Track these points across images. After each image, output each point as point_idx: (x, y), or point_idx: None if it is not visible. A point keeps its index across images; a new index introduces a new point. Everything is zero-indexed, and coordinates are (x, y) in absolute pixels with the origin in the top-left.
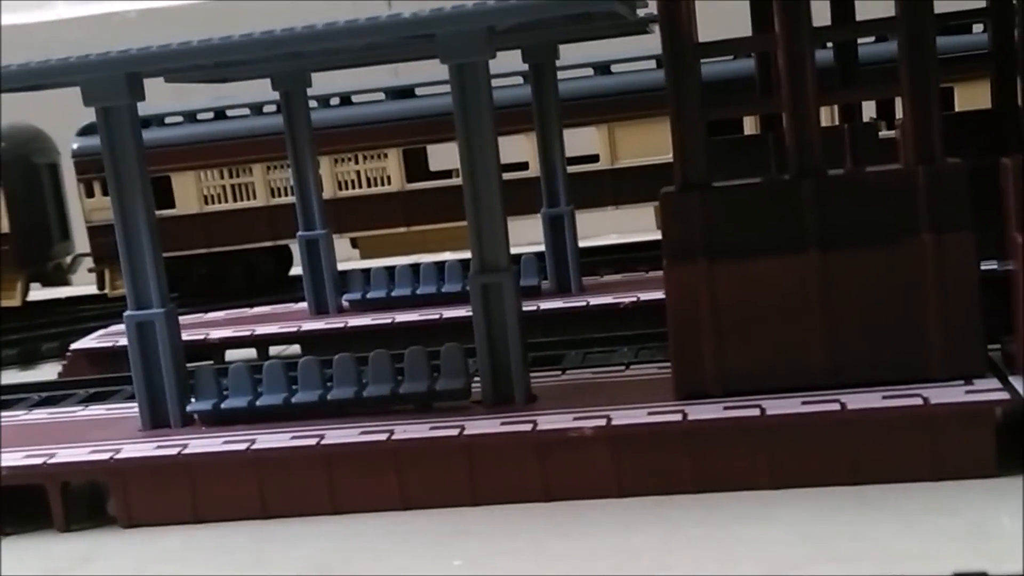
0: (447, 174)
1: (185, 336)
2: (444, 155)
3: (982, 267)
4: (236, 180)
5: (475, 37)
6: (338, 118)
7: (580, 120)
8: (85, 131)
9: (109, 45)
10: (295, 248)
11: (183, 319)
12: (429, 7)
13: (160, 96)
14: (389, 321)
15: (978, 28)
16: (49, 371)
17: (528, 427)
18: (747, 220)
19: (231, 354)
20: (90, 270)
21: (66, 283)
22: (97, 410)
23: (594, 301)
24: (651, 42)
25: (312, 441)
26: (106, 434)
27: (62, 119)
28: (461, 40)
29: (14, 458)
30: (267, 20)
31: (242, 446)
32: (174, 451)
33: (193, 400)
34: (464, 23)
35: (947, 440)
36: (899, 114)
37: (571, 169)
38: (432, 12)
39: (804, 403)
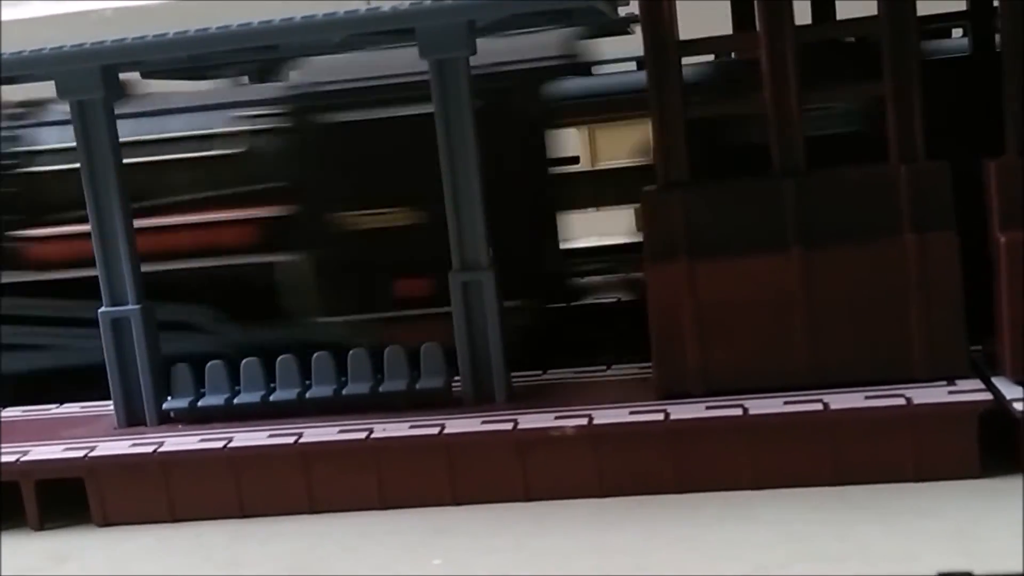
0: None
1: None
2: None
3: None
4: None
5: (455, 32)
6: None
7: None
8: None
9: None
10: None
11: None
12: (409, 1)
13: None
14: None
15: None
16: None
17: (509, 426)
18: (729, 219)
19: None
20: None
21: None
22: (72, 408)
23: (574, 303)
24: (633, 43)
25: (290, 439)
26: (81, 432)
27: None
28: (441, 35)
29: None
30: (249, 19)
31: (219, 444)
32: (150, 449)
33: (169, 398)
34: (444, 18)
35: (930, 441)
36: None
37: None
38: (412, 6)
39: (787, 403)
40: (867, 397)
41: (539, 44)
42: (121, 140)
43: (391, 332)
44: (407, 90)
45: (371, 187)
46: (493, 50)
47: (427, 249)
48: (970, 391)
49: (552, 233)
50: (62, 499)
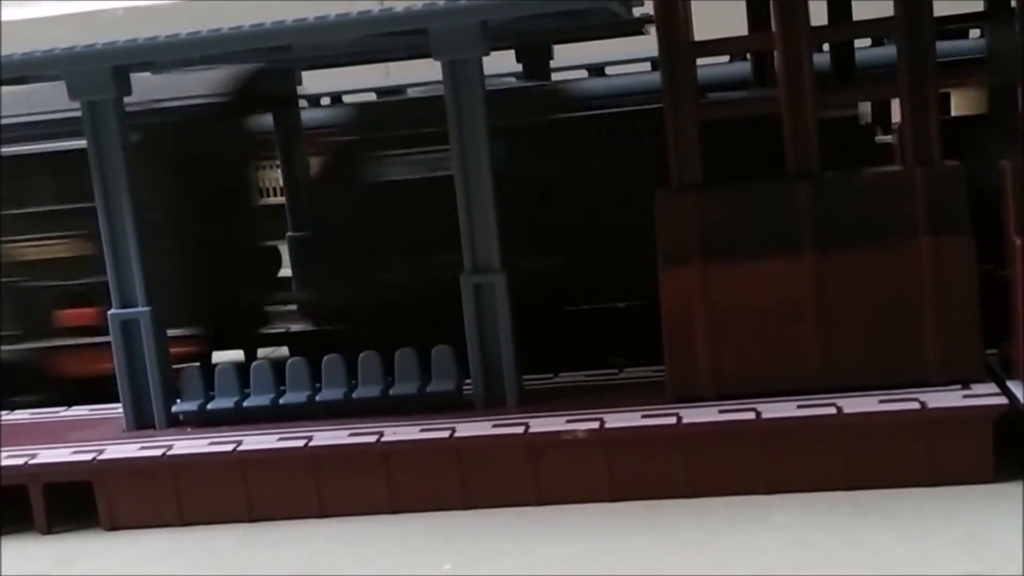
0: None
1: None
2: None
3: None
4: None
5: (468, 32)
6: (329, 117)
7: None
8: None
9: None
10: (284, 249)
11: None
12: (422, 2)
13: None
14: None
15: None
16: None
17: (520, 429)
18: (743, 222)
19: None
20: None
21: None
22: (81, 411)
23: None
24: (647, 44)
25: (300, 443)
26: (90, 435)
27: None
28: (454, 35)
29: None
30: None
31: (228, 447)
32: (159, 452)
33: (179, 401)
34: (457, 18)
35: (944, 445)
36: (895, 119)
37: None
38: (425, 7)
39: (800, 407)
40: (881, 401)
41: (232, 78)
42: None
43: (56, 361)
44: (61, 126)
45: (35, 219)
46: (185, 84)
47: (92, 280)
48: (985, 395)
49: (253, 263)
50: (70, 502)
